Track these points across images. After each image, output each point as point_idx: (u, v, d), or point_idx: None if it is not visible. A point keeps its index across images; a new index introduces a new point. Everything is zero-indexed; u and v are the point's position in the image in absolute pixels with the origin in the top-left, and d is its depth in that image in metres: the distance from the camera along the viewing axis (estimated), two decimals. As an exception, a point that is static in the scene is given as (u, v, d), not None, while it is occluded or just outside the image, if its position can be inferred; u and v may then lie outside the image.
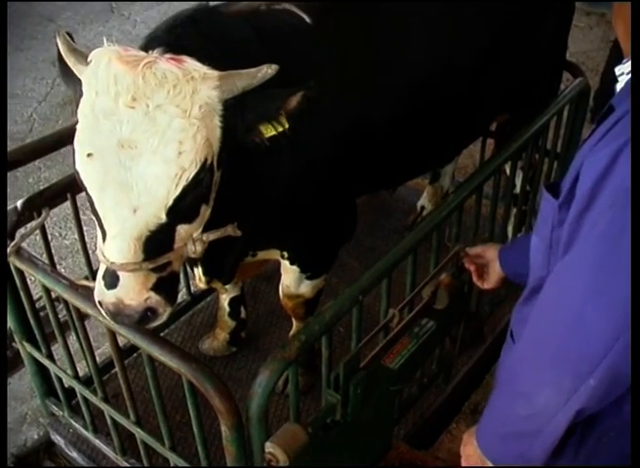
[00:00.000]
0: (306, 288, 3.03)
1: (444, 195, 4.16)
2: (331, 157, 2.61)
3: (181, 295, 3.92)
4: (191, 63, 1.94)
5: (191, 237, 2.10)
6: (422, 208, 4.29)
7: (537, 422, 1.61)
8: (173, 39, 2.11)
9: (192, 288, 3.81)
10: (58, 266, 2.87)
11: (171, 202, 1.94)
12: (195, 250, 2.11)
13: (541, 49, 3.28)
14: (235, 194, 2.35)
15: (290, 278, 3.01)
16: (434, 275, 2.50)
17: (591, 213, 1.50)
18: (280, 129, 2.08)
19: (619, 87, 1.67)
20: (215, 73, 1.95)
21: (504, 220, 3.42)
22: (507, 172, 3.23)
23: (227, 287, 3.37)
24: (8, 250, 2.55)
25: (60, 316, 2.82)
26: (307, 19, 2.59)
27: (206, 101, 1.93)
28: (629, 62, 1.64)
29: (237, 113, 2.02)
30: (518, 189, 3.45)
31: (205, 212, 2.12)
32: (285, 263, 2.93)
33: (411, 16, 2.85)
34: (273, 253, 2.88)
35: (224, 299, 3.46)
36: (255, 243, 2.79)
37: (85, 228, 3.26)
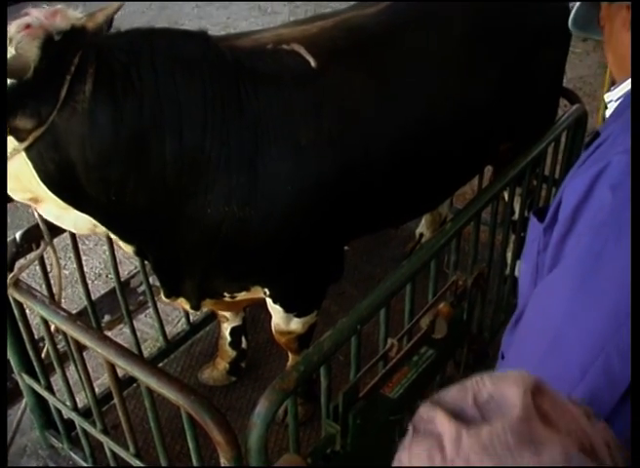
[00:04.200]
0: (296, 325, 2.98)
1: (442, 222, 4.16)
2: (312, 208, 2.57)
3: (180, 325, 3.93)
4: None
5: None
6: (421, 235, 4.28)
7: None
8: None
9: (191, 317, 3.81)
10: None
11: None
12: None
13: (543, 77, 3.27)
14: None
15: (277, 316, 2.96)
16: (432, 304, 2.49)
17: (572, 236, 1.51)
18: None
19: (607, 113, 1.69)
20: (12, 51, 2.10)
21: (503, 247, 3.42)
22: (506, 198, 3.23)
23: (228, 315, 3.38)
24: (7, 280, 2.56)
25: (58, 346, 2.82)
26: (313, 64, 2.54)
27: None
28: (617, 90, 1.66)
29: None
30: (517, 215, 3.46)
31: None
32: (269, 301, 2.88)
33: (419, 58, 2.81)
34: (256, 292, 2.82)
35: (226, 328, 3.45)
36: (222, 283, 2.77)
37: (84, 258, 3.26)
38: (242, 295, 2.84)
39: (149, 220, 2.48)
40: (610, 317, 1.42)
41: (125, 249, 2.69)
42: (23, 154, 2.20)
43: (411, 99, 2.76)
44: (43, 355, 2.90)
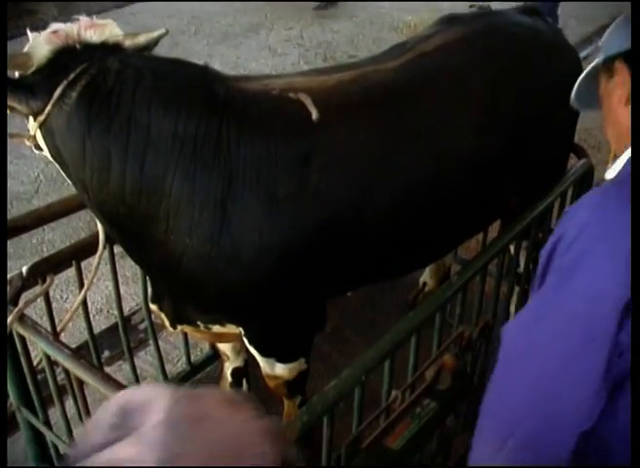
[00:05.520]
0: (282, 370, 2.93)
1: (446, 271, 4.17)
2: (282, 260, 2.53)
3: (181, 365, 3.92)
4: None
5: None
6: (424, 284, 4.27)
7: None
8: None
9: (192, 357, 3.80)
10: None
11: None
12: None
13: (555, 134, 3.28)
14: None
15: (258, 358, 2.93)
16: (437, 357, 2.49)
17: (543, 282, 1.60)
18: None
19: None
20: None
21: (507, 299, 3.42)
22: (511, 251, 3.23)
23: (229, 354, 3.37)
24: (11, 317, 2.56)
25: (57, 378, 2.81)
26: (314, 116, 2.54)
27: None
28: (616, 164, 1.71)
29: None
30: (522, 268, 3.46)
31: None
32: (245, 342, 2.86)
33: (434, 116, 2.79)
34: (232, 329, 2.81)
35: (227, 368, 3.44)
36: (193, 311, 2.78)
37: (87, 293, 3.26)
38: (217, 329, 2.83)
39: (118, 227, 2.58)
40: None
41: None
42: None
43: (418, 158, 2.73)
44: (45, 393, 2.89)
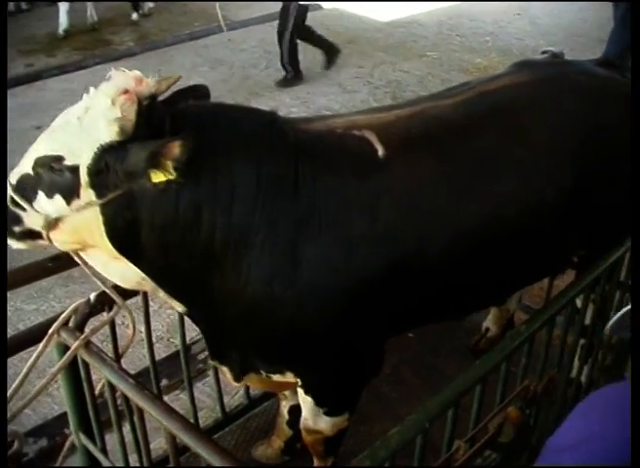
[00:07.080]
0: (325, 424, 2.90)
1: (509, 318, 4.11)
2: (354, 300, 2.54)
3: (238, 398, 3.91)
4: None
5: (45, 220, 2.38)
6: (487, 329, 4.22)
7: None
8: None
9: (251, 391, 3.80)
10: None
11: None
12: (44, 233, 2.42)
13: (624, 187, 3.18)
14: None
15: (306, 409, 2.90)
16: (501, 409, 2.44)
17: None
18: (169, 176, 2.24)
19: None
20: (117, 113, 2.24)
21: (571, 351, 3.35)
22: (578, 304, 3.17)
23: (287, 393, 3.35)
24: (76, 343, 2.58)
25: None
26: (380, 152, 2.57)
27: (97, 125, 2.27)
28: None
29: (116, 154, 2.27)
30: (588, 321, 3.39)
31: (45, 204, 2.37)
32: (300, 391, 2.85)
33: (493, 155, 2.79)
34: (290, 378, 2.80)
35: (284, 406, 3.43)
36: (259, 359, 2.77)
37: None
38: (277, 378, 2.82)
39: (197, 287, 2.54)
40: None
41: (175, 306, 2.75)
42: (97, 209, 2.32)
43: (478, 196, 2.73)
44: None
